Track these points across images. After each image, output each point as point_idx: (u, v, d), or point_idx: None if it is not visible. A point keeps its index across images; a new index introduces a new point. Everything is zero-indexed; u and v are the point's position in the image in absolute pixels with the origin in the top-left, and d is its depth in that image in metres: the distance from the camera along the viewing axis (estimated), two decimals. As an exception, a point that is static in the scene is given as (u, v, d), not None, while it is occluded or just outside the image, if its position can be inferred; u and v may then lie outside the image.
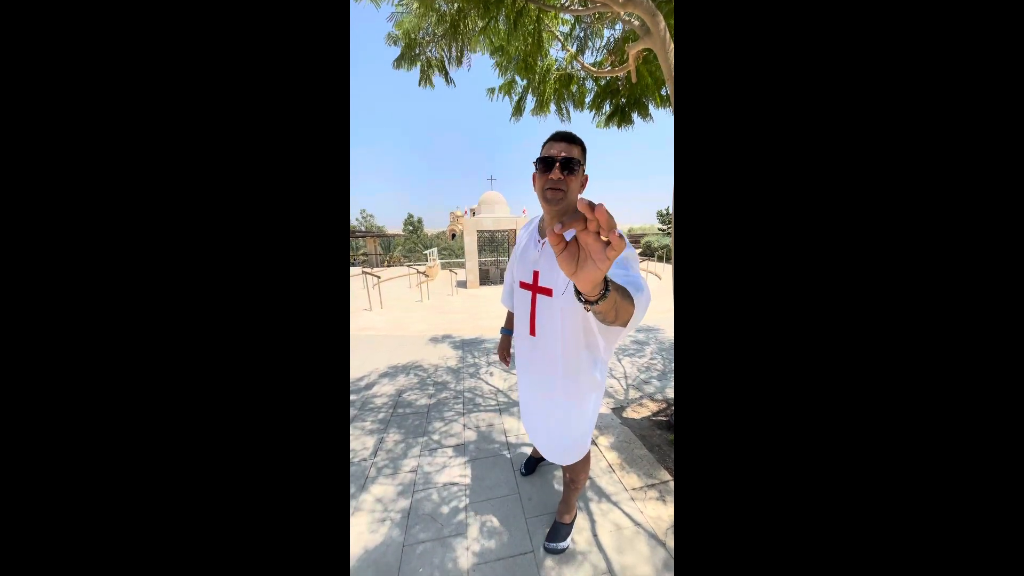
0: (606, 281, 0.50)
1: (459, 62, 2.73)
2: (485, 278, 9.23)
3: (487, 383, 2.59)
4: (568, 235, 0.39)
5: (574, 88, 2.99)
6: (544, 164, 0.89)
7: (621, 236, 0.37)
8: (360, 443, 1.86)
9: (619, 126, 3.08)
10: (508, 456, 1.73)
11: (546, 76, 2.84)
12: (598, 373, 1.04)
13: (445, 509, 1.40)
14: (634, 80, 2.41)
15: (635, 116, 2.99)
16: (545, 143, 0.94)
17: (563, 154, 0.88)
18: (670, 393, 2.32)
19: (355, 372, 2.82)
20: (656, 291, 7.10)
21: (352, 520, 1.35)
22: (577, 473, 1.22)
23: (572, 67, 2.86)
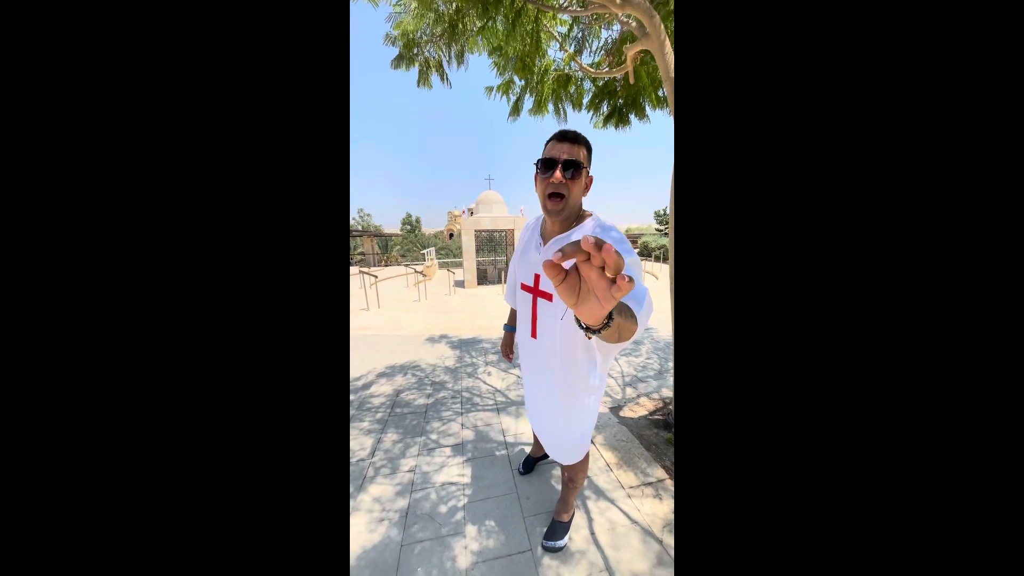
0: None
1: (458, 62, 2.73)
2: (483, 278, 9.22)
3: (485, 383, 2.59)
4: (568, 262, 0.35)
5: (572, 89, 3.00)
6: (545, 165, 0.85)
7: (630, 280, 0.33)
8: (358, 443, 1.86)
9: (616, 127, 3.09)
10: (506, 455, 1.74)
11: (544, 76, 2.84)
12: (596, 377, 1.03)
13: (443, 508, 1.41)
14: (632, 81, 2.42)
15: (632, 117, 3.00)
16: (548, 141, 0.89)
17: (566, 156, 0.84)
18: (666, 392, 2.34)
19: (352, 372, 2.82)
20: (652, 291, 7.11)
21: (350, 520, 1.35)
22: (576, 472, 1.22)
23: (570, 68, 2.87)
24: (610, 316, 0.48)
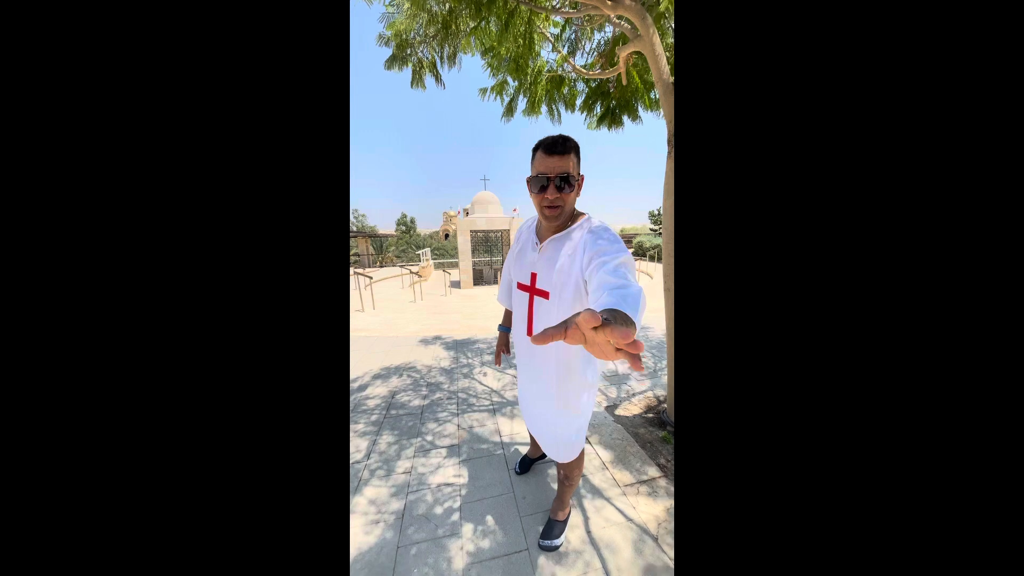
0: (606, 319, 0.45)
1: (452, 63, 2.73)
2: (479, 278, 9.21)
3: (481, 383, 2.59)
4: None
5: (565, 90, 3.01)
6: (538, 185, 0.86)
7: (637, 342, 0.33)
8: (353, 445, 1.85)
9: (610, 127, 3.11)
10: (502, 455, 1.74)
11: (537, 77, 2.85)
12: (591, 374, 1.06)
13: (439, 509, 1.41)
14: (624, 82, 2.44)
15: (625, 118, 3.02)
16: (535, 153, 0.89)
17: (557, 172, 0.85)
18: (661, 391, 2.36)
19: (348, 374, 2.79)
20: (646, 290, 7.17)
21: (346, 522, 1.34)
22: (571, 471, 1.23)
23: (563, 69, 2.88)
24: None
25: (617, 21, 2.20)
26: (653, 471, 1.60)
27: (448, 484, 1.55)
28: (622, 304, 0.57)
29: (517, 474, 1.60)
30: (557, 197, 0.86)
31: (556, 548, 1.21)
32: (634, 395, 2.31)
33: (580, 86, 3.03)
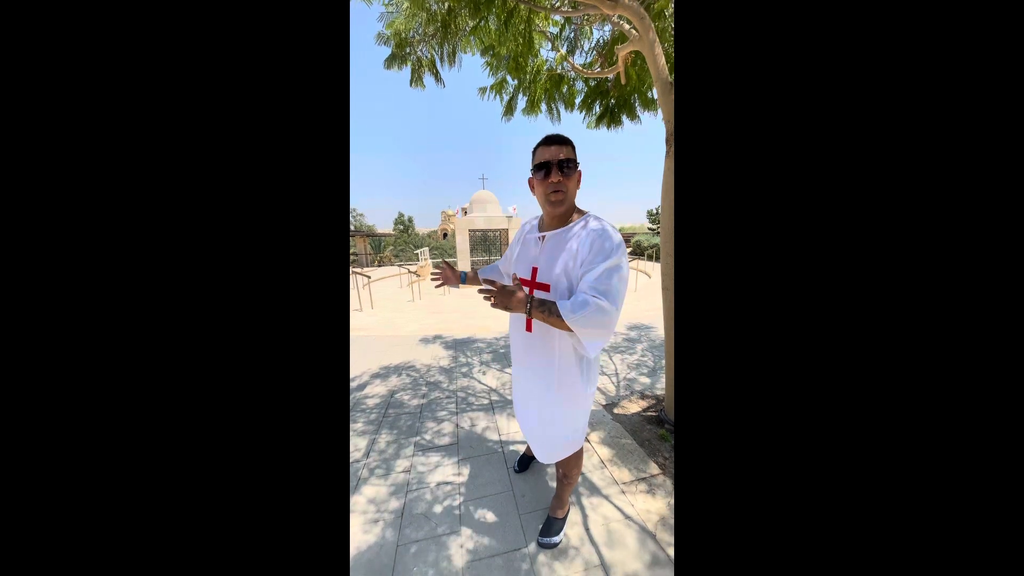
0: (530, 305, 0.89)
1: (451, 62, 2.72)
2: (477, 278, 9.19)
3: (480, 382, 2.59)
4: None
5: (564, 89, 3.01)
6: (543, 170, 0.94)
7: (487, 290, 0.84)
8: (351, 444, 1.85)
9: (608, 127, 3.11)
10: (501, 454, 1.74)
11: (537, 76, 2.85)
12: (589, 370, 1.07)
13: (439, 508, 1.41)
14: (623, 82, 2.44)
15: (624, 117, 3.03)
16: (536, 149, 0.97)
17: (559, 157, 0.93)
18: (659, 390, 2.37)
19: (346, 373, 2.79)
20: (644, 288, 7.19)
21: (345, 521, 1.34)
22: (570, 468, 1.23)
23: (562, 68, 2.88)
24: (530, 307, 0.90)
25: (616, 20, 2.20)
26: (652, 468, 1.60)
27: (447, 483, 1.55)
28: (563, 303, 0.88)
29: (516, 472, 1.60)
30: (560, 180, 0.93)
31: (555, 545, 1.22)
32: (633, 393, 2.32)
33: (579, 85, 3.03)
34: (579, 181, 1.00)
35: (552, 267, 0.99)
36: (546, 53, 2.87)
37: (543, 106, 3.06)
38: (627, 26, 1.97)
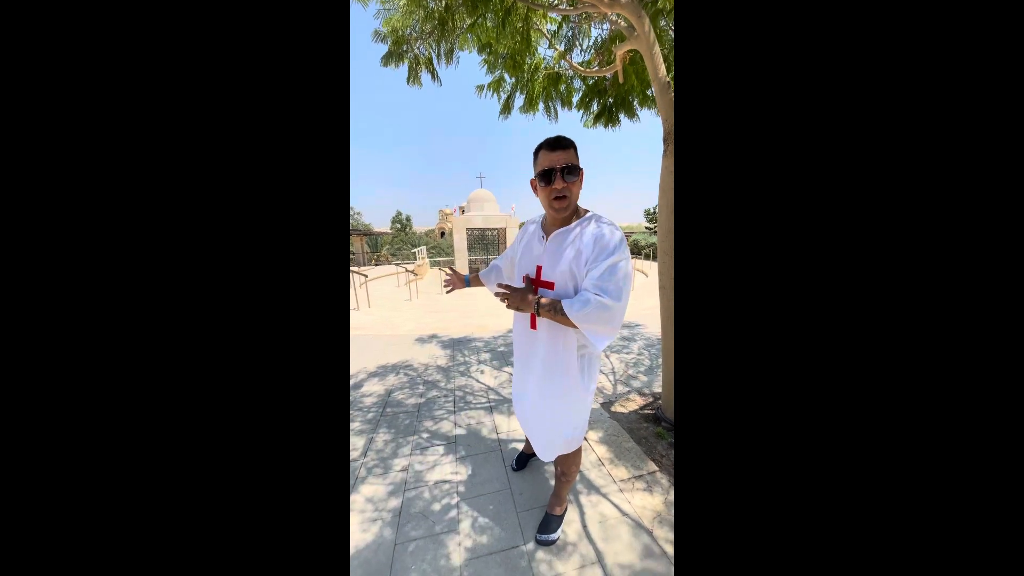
0: (537, 304, 0.98)
1: (448, 60, 2.71)
2: (475, 276, 9.18)
3: (478, 381, 2.59)
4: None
5: (562, 87, 3.01)
6: (546, 176, 0.94)
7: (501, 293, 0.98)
8: (350, 443, 1.84)
9: (606, 126, 3.11)
10: (499, 452, 1.74)
11: (534, 74, 2.84)
12: (591, 368, 1.09)
13: (437, 506, 1.41)
14: (621, 80, 2.44)
15: (622, 116, 3.03)
16: (538, 153, 0.97)
17: (562, 163, 0.93)
18: (657, 387, 2.38)
19: (343, 372, 2.77)
20: (642, 287, 7.21)
21: (343, 520, 1.34)
22: (569, 466, 1.24)
23: (560, 66, 2.87)
24: (538, 308, 0.98)
25: (614, 19, 2.20)
26: (649, 466, 1.61)
27: (445, 481, 1.55)
28: (567, 301, 0.92)
29: (514, 470, 1.60)
30: (564, 187, 0.94)
31: (553, 542, 1.22)
32: (630, 392, 2.33)
33: (577, 83, 3.02)
34: (581, 182, 1.01)
35: (556, 266, 1.01)
36: (544, 51, 2.86)
37: (540, 104, 3.05)
38: (625, 24, 1.97)
